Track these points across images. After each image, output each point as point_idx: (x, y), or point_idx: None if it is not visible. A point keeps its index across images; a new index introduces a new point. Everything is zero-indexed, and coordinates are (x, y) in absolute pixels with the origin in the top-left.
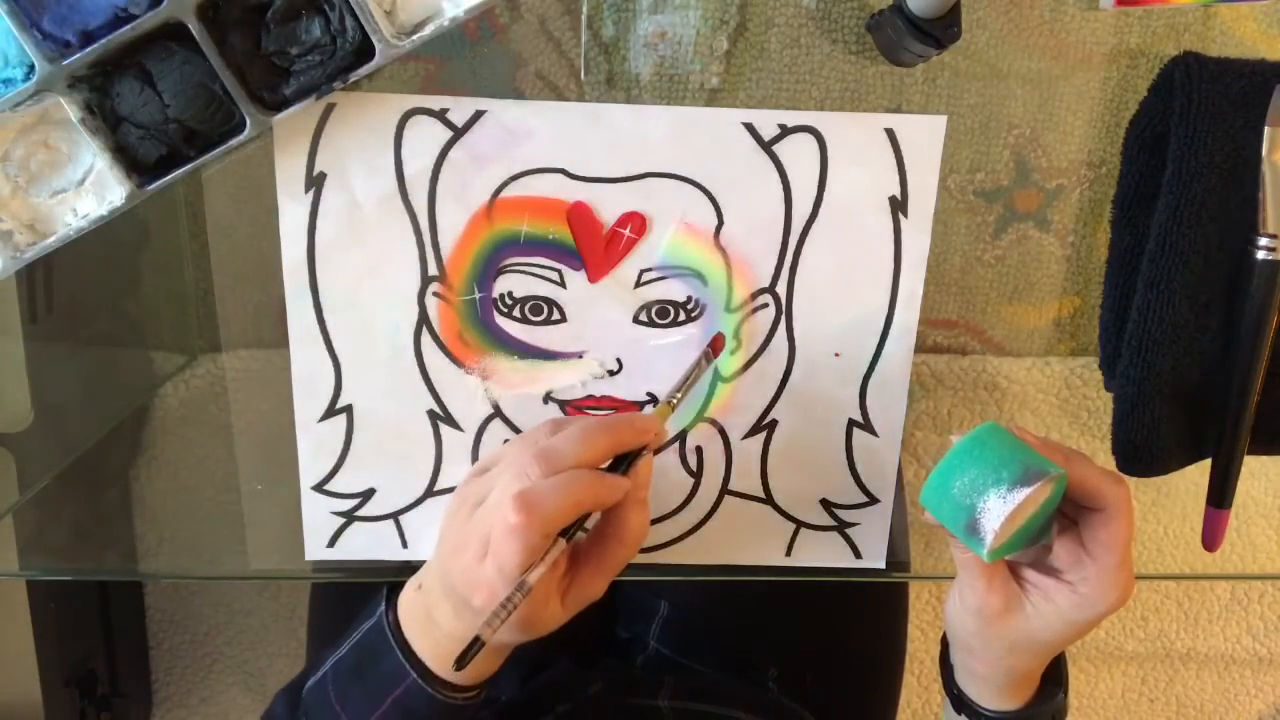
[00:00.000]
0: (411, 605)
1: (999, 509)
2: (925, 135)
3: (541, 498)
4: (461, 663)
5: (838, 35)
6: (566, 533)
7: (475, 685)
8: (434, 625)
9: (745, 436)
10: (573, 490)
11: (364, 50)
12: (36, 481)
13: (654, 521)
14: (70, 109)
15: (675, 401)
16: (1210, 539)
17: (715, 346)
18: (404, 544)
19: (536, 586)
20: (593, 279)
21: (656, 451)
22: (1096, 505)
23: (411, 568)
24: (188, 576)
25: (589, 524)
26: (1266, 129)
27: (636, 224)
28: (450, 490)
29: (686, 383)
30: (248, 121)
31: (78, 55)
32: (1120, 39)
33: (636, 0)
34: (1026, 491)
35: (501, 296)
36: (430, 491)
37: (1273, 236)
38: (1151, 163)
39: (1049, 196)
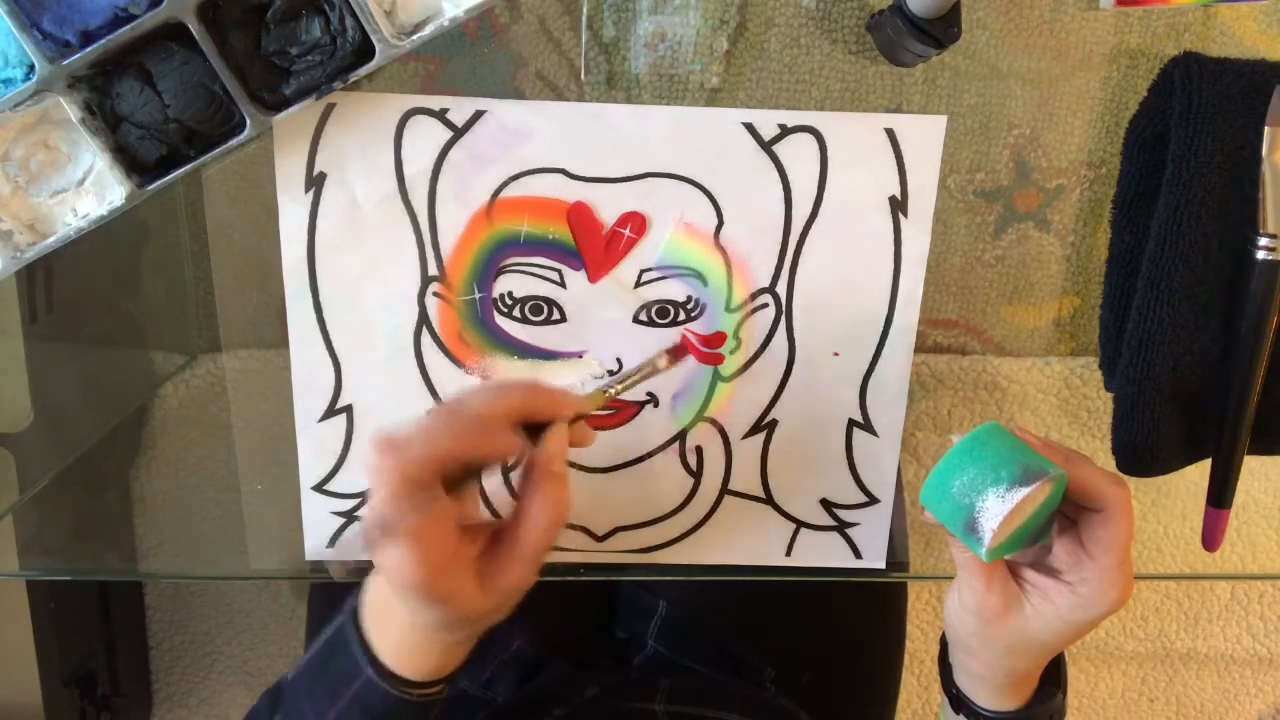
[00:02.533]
0: (373, 594)
1: (997, 508)
2: (925, 135)
3: (403, 440)
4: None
5: (838, 35)
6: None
7: (434, 681)
8: (391, 612)
9: (745, 436)
10: (438, 431)
11: (364, 50)
12: (36, 481)
13: (654, 521)
14: (70, 109)
15: (613, 392)
16: (1210, 539)
17: (676, 352)
18: None
19: (435, 549)
20: (593, 279)
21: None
22: (1096, 506)
23: None
24: (188, 576)
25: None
26: (1266, 129)
27: (636, 224)
28: None
29: (633, 377)
30: (248, 121)
31: (78, 55)
32: (1120, 39)
33: (636, 0)
34: (1025, 491)
35: (501, 296)
36: None
37: (1273, 236)
38: (1151, 163)
39: (1049, 196)
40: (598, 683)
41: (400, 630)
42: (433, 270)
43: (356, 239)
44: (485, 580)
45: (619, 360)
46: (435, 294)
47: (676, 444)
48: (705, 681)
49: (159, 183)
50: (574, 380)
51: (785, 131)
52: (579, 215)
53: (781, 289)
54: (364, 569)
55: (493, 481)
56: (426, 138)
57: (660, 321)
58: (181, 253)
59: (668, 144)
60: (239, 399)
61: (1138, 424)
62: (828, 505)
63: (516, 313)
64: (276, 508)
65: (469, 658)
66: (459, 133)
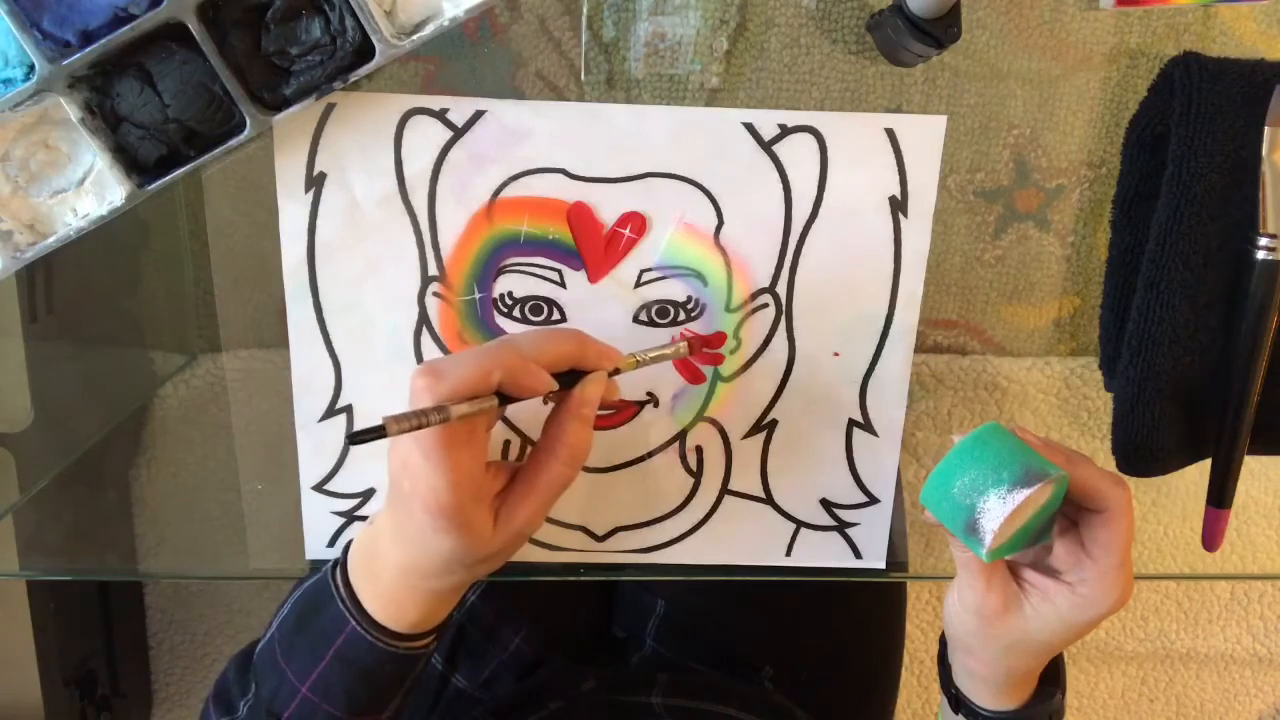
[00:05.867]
0: (359, 546)
1: (998, 509)
2: (925, 135)
3: (447, 364)
4: (354, 438)
5: (838, 35)
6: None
7: (421, 633)
8: (376, 560)
9: (745, 436)
10: (482, 357)
11: (364, 50)
12: (36, 481)
13: (654, 521)
14: (70, 109)
15: (641, 360)
16: (1210, 539)
17: (692, 345)
18: None
19: (466, 475)
20: (593, 279)
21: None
22: (1097, 506)
23: None
24: (188, 576)
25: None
26: (1266, 129)
27: (636, 224)
28: None
29: (655, 353)
30: (248, 121)
31: (78, 55)
32: (1120, 39)
33: (636, 0)
34: (1026, 493)
35: (501, 296)
36: None
37: (1273, 236)
38: (1151, 163)
39: (1049, 196)
40: (595, 676)
41: (389, 577)
42: (433, 270)
43: (356, 239)
44: (499, 513)
45: None
46: (435, 294)
47: (676, 444)
48: (703, 677)
49: (159, 183)
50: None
51: (785, 131)
52: (579, 215)
53: (781, 289)
54: None
55: None
56: (426, 138)
57: (660, 321)
58: (181, 253)
59: (668, 144)
60: (239, 399)
61: (1138, 424)
62: (828, 505)
63: (517, 313)
64: (276, 508)
65: (473, 653)
66: (459, 133)
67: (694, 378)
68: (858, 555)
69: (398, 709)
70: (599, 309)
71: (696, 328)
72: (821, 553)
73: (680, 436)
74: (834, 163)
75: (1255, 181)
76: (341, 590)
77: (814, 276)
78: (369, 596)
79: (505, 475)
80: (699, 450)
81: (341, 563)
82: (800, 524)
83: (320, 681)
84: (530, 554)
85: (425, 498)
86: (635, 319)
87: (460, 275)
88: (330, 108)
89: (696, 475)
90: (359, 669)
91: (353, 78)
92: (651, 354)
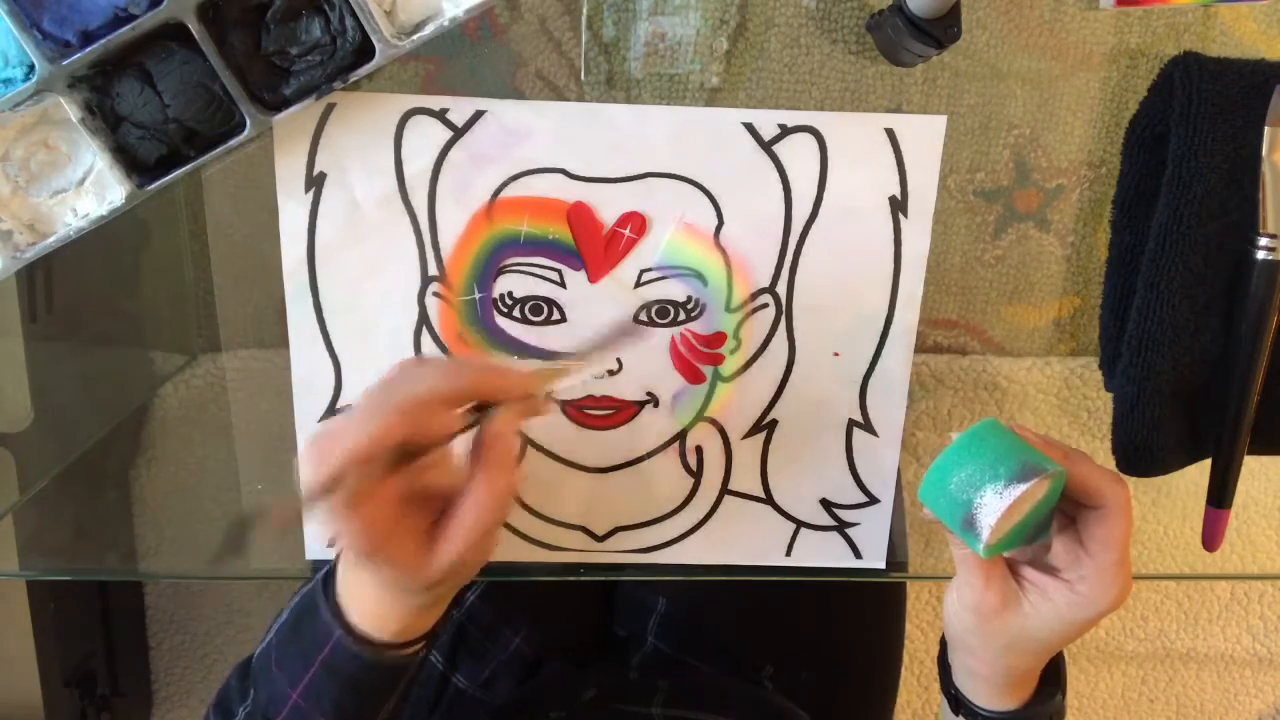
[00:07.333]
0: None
1: (995, 504)
2: (925, 135)
3: (334, 428)
4: (225, 547)
5: (838, 35)
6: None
7: (407, 642)
8: (362, 574)
9: (745, 436)
10: (366, 420)
11: (364, 50)
12: (36, 481)
13: (654, 521)
14: (70, 109)
15: (564, 367)
16: (1210, 539)
17: (631, 332)
18: None
19: (377, 520)
20: (593, 279)
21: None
22: (1096, 504)
23: None
24: (188, 576)
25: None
26: (1266, 129)
27: (636, 224)
28: None
29: (591, 350)
30: (248, 121)
31: (78, 55)
32: (1120, 39)
33: (636, 0)
34: (1023, 488)
35: (501, 296)
36: None
37: (1273, 236)
38: (1151, 163)
39: (1049, 196)
40: (595, 685)
41: (372, 589)
42: (433, 270)
43: (356, 239)
44: (433, 550)
45: (619, 360)
46: (435, 294)
47: (676, 444)
48: (703, 683)
49: (159, 183)
50: (574, 380)
51: (785, 131)
52: (579, 215)
53: (781, 289)
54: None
55: None
56: (426, 138)
57: (660, 321)
58: (181, 253)
59: (668, 144)
60: (239, 399)
61: (1138, 424)
62: (828, 505)
63: (516, 313)
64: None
65: (461, 642)
66: (459, 133)
67: (694, 378)
68: (858, 555)
69: (394, 712)
70: (599, 309)
71: (696, 328)
72: (821, 553)
73: (680, 436)
74: (834, 163)
75: (1255, 181)
76: (327, 601)
77: (814, 276)
78: (352, 606)
79: (437, 507)
80: (699, 450)
81: (332, 570)
82: (800, 524)
83: (310, 689)
84: (530, 554)
85: (345, 539)
86: (635, 319)
87: (460, 275)
88: (330, 108)
89: (696, 475)
90: (345, 678)
91: (353, 78)
92: (579, 358)
